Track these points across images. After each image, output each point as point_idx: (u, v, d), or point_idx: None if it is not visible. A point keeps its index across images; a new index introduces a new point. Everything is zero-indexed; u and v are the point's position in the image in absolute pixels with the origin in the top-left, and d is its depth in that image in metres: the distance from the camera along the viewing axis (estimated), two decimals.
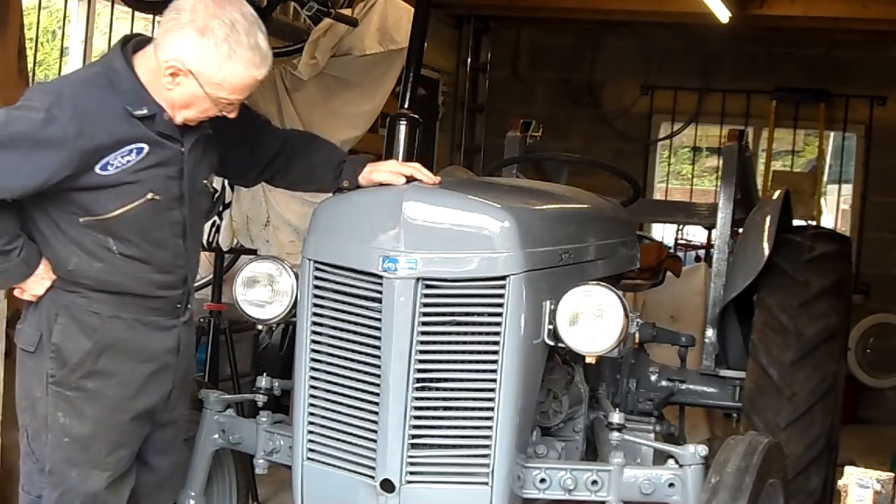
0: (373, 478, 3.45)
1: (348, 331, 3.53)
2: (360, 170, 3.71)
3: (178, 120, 3.28)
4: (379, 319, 3.45)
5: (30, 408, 3.35)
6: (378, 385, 3.45)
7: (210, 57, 3.16)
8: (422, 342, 3.43)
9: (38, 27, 6.05)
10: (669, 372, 5.11)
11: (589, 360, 3.70)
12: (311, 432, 3.61)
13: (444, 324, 3.45)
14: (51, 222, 3.28)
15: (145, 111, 3.22)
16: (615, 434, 3.76)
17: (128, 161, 3.20)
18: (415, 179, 3.62)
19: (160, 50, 3.20)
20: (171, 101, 3.24)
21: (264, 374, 3.98)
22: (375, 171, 3.69)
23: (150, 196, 3.25)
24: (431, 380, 3.45)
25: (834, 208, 11.46)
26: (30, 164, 3.11)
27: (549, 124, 6.56)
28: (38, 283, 3.30)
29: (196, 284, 6.05)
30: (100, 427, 3.32)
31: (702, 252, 9.58)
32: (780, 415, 4.82)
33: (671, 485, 3.57)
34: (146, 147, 3.22)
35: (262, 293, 3.87)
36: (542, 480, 3.59)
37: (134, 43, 3.30)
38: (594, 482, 3.59)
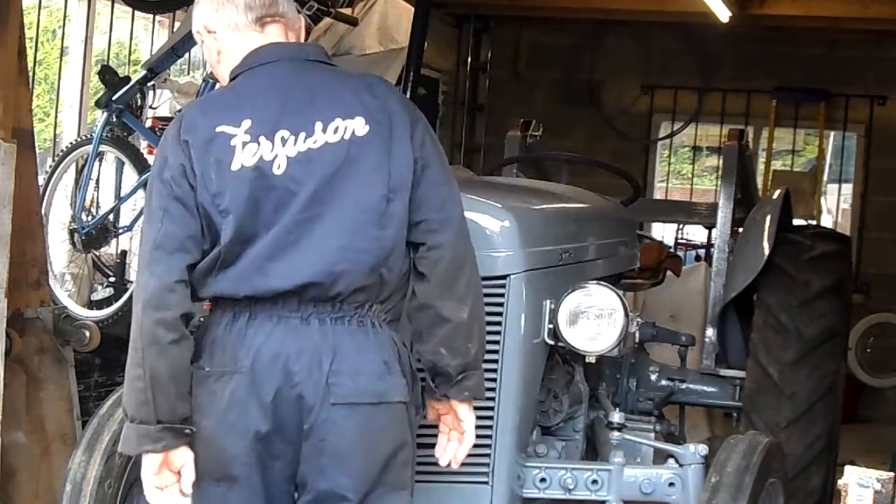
0: None
1: None
2: None
3: None
4: None
5: None
6: None
7: None
8: None
9: (38, 27, 6.05)
10: (669, 371, 5.11)
11: (589, 359, 3.70)
12: None
13: None
14: None
15: None
16: (615, 433, 3.76)
17: None
18: None
19: None
20: None
21: None
22: None
23: None
24: None
25: (834, 208, 11.44)
26: None
27: (550, 124, 6.54)
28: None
29: None
30: None
31: (702, 251, 9.56)
32: (781, 414, 4.81)
33: (671, 484, 3.57)
34: None
35: None
36: (542, 479, 3.59)
37: None
38: (594, 481, 3.58)
